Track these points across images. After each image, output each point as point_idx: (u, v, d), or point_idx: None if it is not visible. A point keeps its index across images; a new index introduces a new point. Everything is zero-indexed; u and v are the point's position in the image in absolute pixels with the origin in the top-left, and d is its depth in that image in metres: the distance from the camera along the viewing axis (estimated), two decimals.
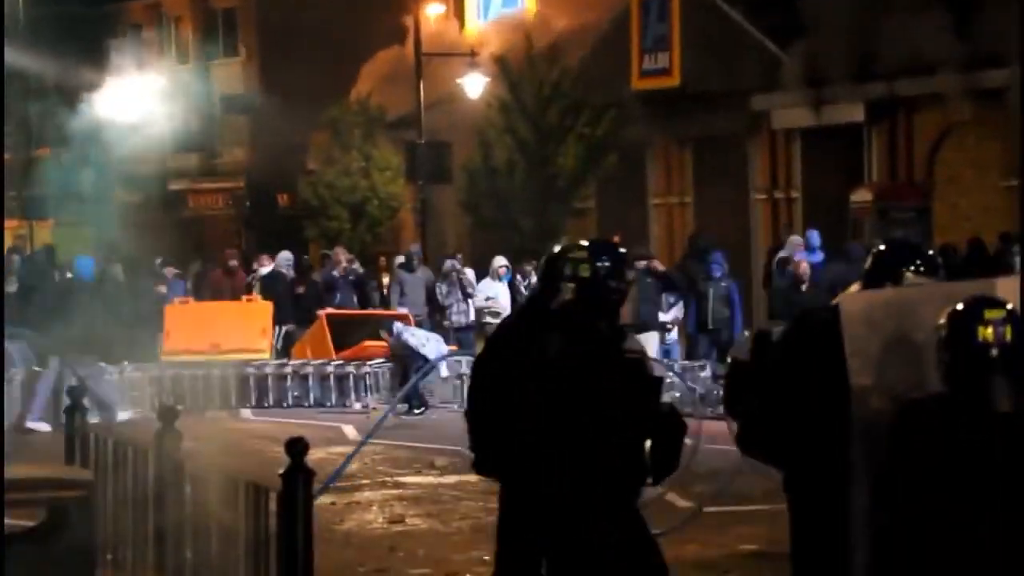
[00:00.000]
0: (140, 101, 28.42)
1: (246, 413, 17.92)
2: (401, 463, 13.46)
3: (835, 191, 25.20)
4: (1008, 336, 4.29)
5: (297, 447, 4.98)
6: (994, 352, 4.28)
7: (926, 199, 25.16)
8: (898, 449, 4.41)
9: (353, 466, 13.18)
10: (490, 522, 10.63)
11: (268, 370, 18.56)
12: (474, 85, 27.41)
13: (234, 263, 22.24)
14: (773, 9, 26.25)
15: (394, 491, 11.98)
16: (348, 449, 14.54)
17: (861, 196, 24.68)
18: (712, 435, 12.05)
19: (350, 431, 15.82)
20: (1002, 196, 24.91)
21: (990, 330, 4.29)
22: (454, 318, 20.42)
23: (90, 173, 28.17)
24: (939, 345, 4.41)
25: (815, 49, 24.87)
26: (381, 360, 18.30)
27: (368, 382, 18.34)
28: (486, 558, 9.55)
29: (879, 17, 23.60)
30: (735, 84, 25.86)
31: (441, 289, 20.45)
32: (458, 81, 27.54)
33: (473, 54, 27.43)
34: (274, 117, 30.28)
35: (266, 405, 18.16)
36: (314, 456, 12.53)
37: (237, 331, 19.14)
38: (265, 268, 21.48)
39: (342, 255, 21.67)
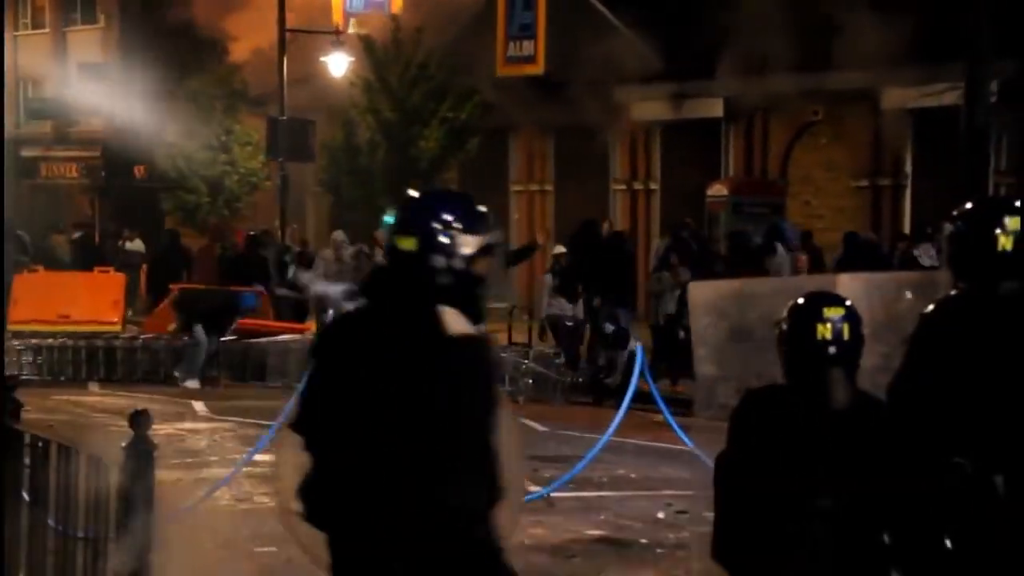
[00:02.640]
0: None
1: (94, 387, 17.62)
2: (251, 440, 13.34)
3: (692, 184, 25.57)
4: (846, 334, 4.41)
5: (140, 419, 4.92)
6: (832, 350, 4.39)
7: (780, 196, 25.64)
8: (737, 436, 4.51)
9: (202, 443, 13.07)
10: None
11: (118, 343, 18.28)
12: (338, 64, 27.25)
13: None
14: (637, 2, 26.52)
15: (243, 469, 11.88)
16: (197, 425, 14.43)
17: (717, 190, 25.08)
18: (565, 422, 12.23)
19: (200, 406, 15.65)
20: (852, 196, 25.50)
21: (828, 327, 4.40)
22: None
23: None
24: (779, 339, 4.51)
25: (677, 44, 25.19)
26: (234, 336, 18.13)
27: (220, 358, 18.15)
28: None
29: (739, 15, 23.96)
30: (598, 75, 26.06)
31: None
32: (322, 59, 27.36)
33: (338, 32, 27.26)
34: (132, 87, 29.74)
35: (115, 379, 17.89)
36: (161, 431, 12.39)
37: (88, 302, 18.82)
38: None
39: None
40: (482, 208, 4.13)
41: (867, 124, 24.57)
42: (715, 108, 26.07)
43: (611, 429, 11.56)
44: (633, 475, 11.72)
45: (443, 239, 3.99)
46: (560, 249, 17.49)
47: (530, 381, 16.75)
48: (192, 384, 17.23)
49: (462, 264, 3.99)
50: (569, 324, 17.06)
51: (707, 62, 24.18)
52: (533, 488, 11.25)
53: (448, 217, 4.01)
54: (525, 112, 27.12)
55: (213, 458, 12.38)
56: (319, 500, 3.98)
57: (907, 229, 23.68)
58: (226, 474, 11.41)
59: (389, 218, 17.34)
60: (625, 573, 8.56)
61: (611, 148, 28.01)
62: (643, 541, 9.19)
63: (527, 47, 28.63)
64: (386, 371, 3.91)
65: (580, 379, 16.66)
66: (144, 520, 4.94)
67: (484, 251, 4.03)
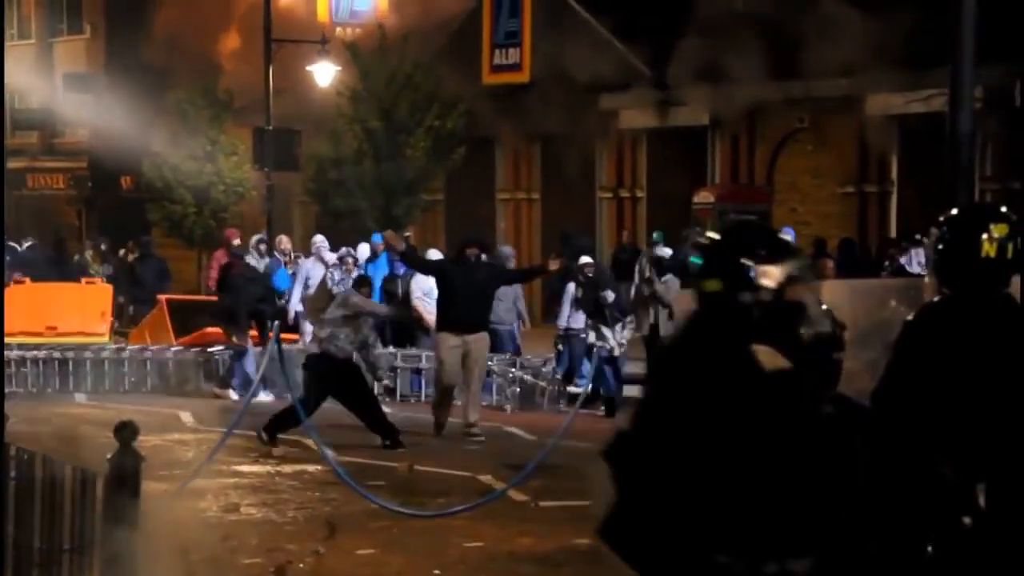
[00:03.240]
0: None
1: (80, 397, 17.58)
2: (238, 451, 13.32)
3: (679, 192, 25.60)
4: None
5: (125, 431, 4.91)
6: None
7: (766, 203, 25.69)
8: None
9: (189, 453, 13.05)
10: (325, 512, 10.67)
11: (105, 354, 18.24)
12: (324, 73, 27.25)
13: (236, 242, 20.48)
14: (623, 9, 26.56)
15: (230, 479, 11.87)
16: (184, 436, 14.41)
17: (703, 197, 25.11)
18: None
19: (187, 418, 15.63)
20: (839, 202, 25.55)
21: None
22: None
23: None
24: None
25: (662, 51, 25.23)
26: (222, 347, 18.08)
27: (206, 369, 18.11)
28: (320, 550, 9.53)
29: (724, 22, 24.01)
30: (584, 82, 26.10)
31: (332, 276, 18.64)
32: (308, 68, 27.36)
33: (324, 42, 27.26)
34: (118, 97, 29.71)
35: (102, 390, 17.85)
36: (149, 443, 12.36)
37: (75, 314, 18.78)
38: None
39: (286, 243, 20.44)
40: (784, 236, 4.14)
41: (852, 131, 24.63)
42: (701, 115, 26.12)
43: (559, 432, 11.88)
44: None
45: (746, 275, 3.96)
46: (586, 260, 16.99)
47: (518, 390, 16.76)
48: (235, 395, 16.94)
49: (769, 296, 3.95)
50: (583, 337, 16.78)
51: (692, 69, 24.22)
52: (521, 497, 11.28)
53: (748, 252, 3.98)
54: (511, 120, 27.16)
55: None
56: (631, 536, 4.00)
57: (894, 235, 23.74)
58: (215, 485, 11.42)
59: (377, 236, 16.90)
60: None
61: (597, 156, 28.04)
62: None
63: (513, 55, 28.66)
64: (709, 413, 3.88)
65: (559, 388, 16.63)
66: (129, 532, 4.93)
67: (791, 280, 3.98)
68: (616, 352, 16.12)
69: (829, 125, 24.99)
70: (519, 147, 28.96)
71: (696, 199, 25.13)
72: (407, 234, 22.37)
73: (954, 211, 4.79)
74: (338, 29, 30.21)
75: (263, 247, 18.70)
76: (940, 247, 4.66)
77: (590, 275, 16.56)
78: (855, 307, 5.15)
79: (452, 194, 28.99)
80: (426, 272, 16.13)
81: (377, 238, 20.03)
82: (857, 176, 25.32)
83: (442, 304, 14.54)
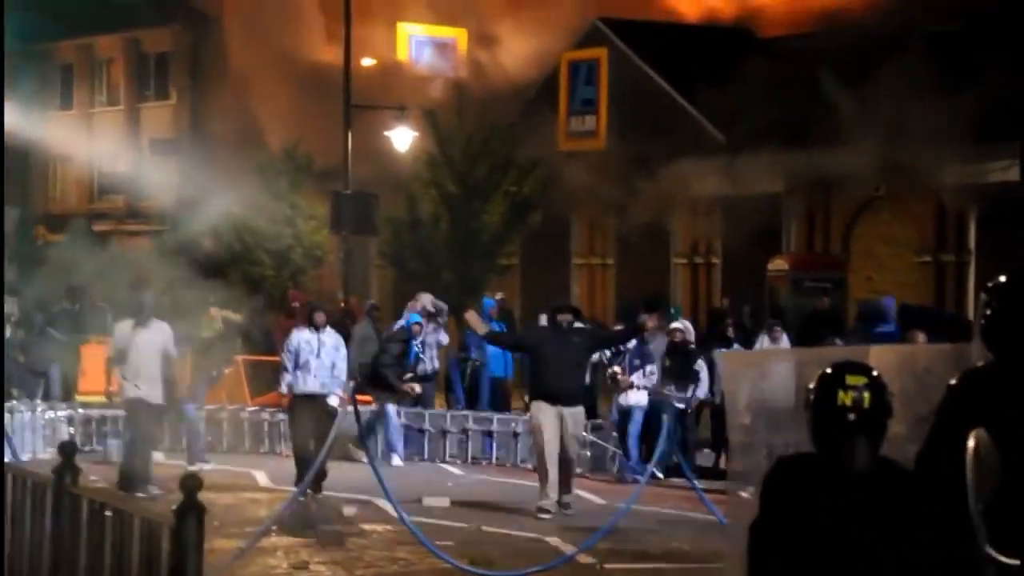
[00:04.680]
0: (67, 142, 28.39)
1: (158, 456, 17.84)
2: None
3: (754, 259, 25.63)
4: (867, 402, 4.53)
5: (190, 483, 5.09)
6: (852, 416, 4.51)
7: (841, 270, 25.64)
8: (766, 503, 4.62)
9: (261, 512, 13.23)
10: (393, 571, 10.79)
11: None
12: (402, 138, 27.65)
13: (296, 304, 21.54)
14: (699, 78, 26.75)
15: (300, 538, 12.02)
16: (257, 495, 14.60)
17: (778, 265, 25.12)
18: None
19: (261, 477, 15.83)
20: (915, 271, 25.46)
21: (850, 395, 4.52)
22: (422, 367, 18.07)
23: (11, 212, 28.07)
24: (805, 406, 4.64)
25: (738, 118, 25.36)
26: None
27: (282, 429, 18.32)
28: None
29: (800, 90, 24.11)
30: (659, 149, 26.29)
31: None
32: (386, 134, 27.77)
33: (402, 108, 27.68)
34: (202, 161, 30.31)
35: (180, 449, 18.11)
36: (222, 501, 12.57)
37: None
38: None
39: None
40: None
41: (929, 199, 24.58)
42: (775, 182, 26.18)
43: (631, 498, 11.99)
44: (687, 547, 11.75)
45: None
46: (678, 325, 16.55)
47: (588, 454, 16.77)
48: (397, 462, 16.74)
49: None
50: (679, 406, 15.93)
51: (768, 136, 24.34)
52: (586, 560, 11.35)
53: None
54: (586, 186, 27.38)
55: (272, 526, 12.51)
56: None
57: (971, 305, 23.61)
58: (286, 543, 11.58)
59: (490, 300, 16.75)
60: None
61: (672, 221, 28.15)
62: None
63: (589, 122, 28.94)
64: None
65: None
66: None
67: None
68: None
69: (906, 194, 24.96)
70: (594, 213, 29.15)
71: (770, 266, 25.15)
72: (499, 296, 22.44)
73: (1002, 278, 4.86)
74: (416, 95, 30.63)
75: (375, 313, 19.56)
76: (987, 312, 4.74)
77: (680, 342, 16.36)
78: (902, 371, 5.24)
79: (527, 258, 29.20)
80: (516, 350, 15.56)
81: (489, 303, 20.38)
82: (934, 245, 25.23)
83: (535, 374, 13.88)
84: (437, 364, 18.35)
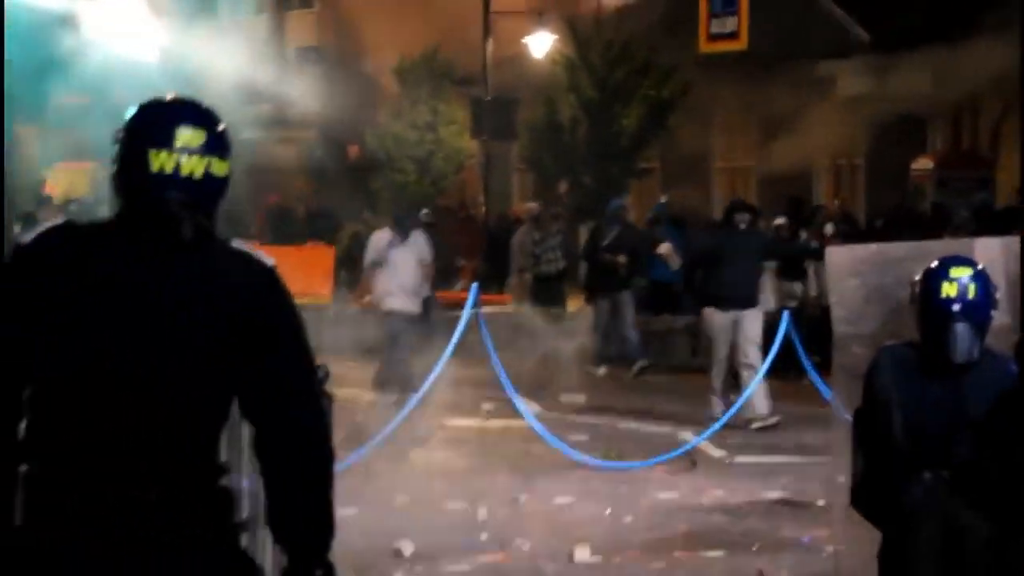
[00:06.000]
0: (214, 51, 28.95)
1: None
2: (449, 406, 13.88)
3: (898, 159, 25.32)
4: (971, 294, 4.69)
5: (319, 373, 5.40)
6: (956, 307, 4.68)
7: (989, 170, 25.21)
8: (872, 387, 4.83)
9: (404, 409, 13.66)
10: (527, 463, 11.15)
11: (328, 315, 19.07)
12: (540, 44, 27.76)
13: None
14: None
15: (439, 432, 12.46)
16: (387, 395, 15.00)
17: (923, 164, 24.79)
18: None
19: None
20: None
21: (954, 286, 4.69)
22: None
23: None
24: (911, 298, 4.82)
25: (882, 15, 24.96)
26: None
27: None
28: (520, 497, 10.04)
29: None
30: (802, 49, 26.00)
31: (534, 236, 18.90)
32: (525, 40, 27.90)
33: (541, 13, 27.75)
34: (346, 69, 30.76)
35: (324, 348, 18.64)
36: (365, 398, 12.98)
37: (299, 275, 19.69)
38: None
39: None
40: None
41: None
42: (922, 82, 25.75)
43: (747, 393, 11.98)
44: (818, 443, 11.93)
45: None
46: (780, 221, 16.22)
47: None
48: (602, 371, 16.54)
49: None
50: (794, 304, 15.50)
51: (914, 34, 23.94)
52: (717, 453, 11.62)
53: None
54: (727, 89, 27.21)
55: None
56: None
57: None
58: (425, 436, 11.99)
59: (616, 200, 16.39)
60: (798, 531, 8.84)
61: (815, 123, 27.87)
62: (820, 503, 9.42)
63: (730, 23, 28.66)
64: None
65: None
66: None
67: None
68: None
69: None
70: (735, 116, 28.99)
71: (915, 166, 24.84)
72: (663, 199, 22.20)
73: None
74: (555, 1, 30.63)
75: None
76: None
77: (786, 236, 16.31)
78: (1009, 264, 5.36)
79: (667, 162, 29.19)
80: (703, 260, 13.59)
81: (660, 208, 20.28)
82: None
83: (708, 278, 13.12)
84: (563, 264, 18.69)
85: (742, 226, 13.10)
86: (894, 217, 21.02)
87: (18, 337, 3.08)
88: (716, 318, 12.89)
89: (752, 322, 12.81)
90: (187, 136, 3.16)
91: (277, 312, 3.35)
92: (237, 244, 3.33)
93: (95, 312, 3.10)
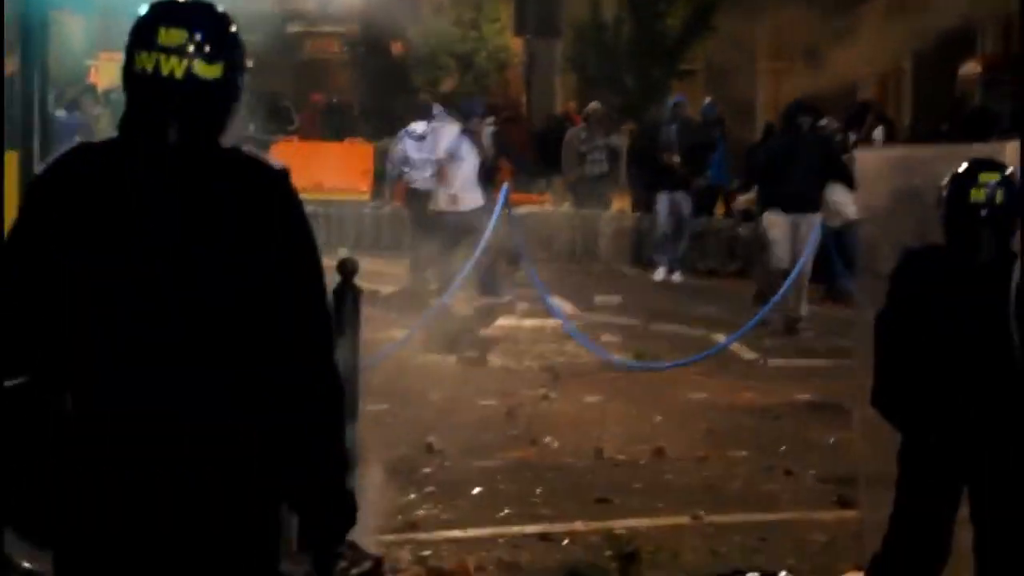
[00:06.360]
0: None
1: (342, 252, 18.42)
2: (481, 306, 13.90)
3: (945, 63, 24.96)
4: (999, 198, 4.65)
5: (347, 267, 5.43)
6: (983, 211, 4.64)
7: None
8: (895, 289, 4.81)
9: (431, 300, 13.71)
10: (558, 363, 11.20)
11: (366, 211, 19.13)
12: None
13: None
14: None
15: (472, 330, 12.48)
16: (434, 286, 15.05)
17: (970, 68, 24.42)
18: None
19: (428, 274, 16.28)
20: None
21: (983, 191, 4.64)
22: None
23: None
24: (938, 202, 4.78)
25: None
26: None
27: None
28: (550, 395, 10.10)
29: None
30: None
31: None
32: None
33: None
34: None
35: (364, 245, 18.73)
36: (387, 290, 12.99)
37: (339, 171, 19.70)
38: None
39: None
40: None
41: None
42: None
43: (780, 293, 11.93)
44: (852, 346, 11.91)
45: None
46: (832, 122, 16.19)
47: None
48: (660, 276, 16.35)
49: None
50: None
51: None
52: (749, 355, 11.63)
53: None
54: None
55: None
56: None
57: None
58: (458, 335, 12.03)
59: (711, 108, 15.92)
60: (826, 433, 8.87)
61: (860, 26, 27.49)
62: (848, 407, 9.43)
63: None
64: None
65: None
66: (350, 364, 5.45)
67: None
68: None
69: None
70: (781, 17, 28.60)
71: (962, 71, 24.47)
72: (708, 100, 22.05)
73: None
74: None
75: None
76: None
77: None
78: None
79: (711, 63, 28.90)
80: (769, 167, 13.14)
81: (711, 110, 20.29)
82: None
83: (767, 180, 12.93)
84: (607, 167, 18.59)
85: (804, 128, 12.86)
86: (955, 121, 20.73)
87: (41, 274, 3.03)
88: (775, 221, 12.63)
89: (812, 225, 12.52)
90: (167, 36, 3.06)
91: (278, 225, 3.09)
92: (247, 150, 3.21)
93: (104, 236, 3.04)
